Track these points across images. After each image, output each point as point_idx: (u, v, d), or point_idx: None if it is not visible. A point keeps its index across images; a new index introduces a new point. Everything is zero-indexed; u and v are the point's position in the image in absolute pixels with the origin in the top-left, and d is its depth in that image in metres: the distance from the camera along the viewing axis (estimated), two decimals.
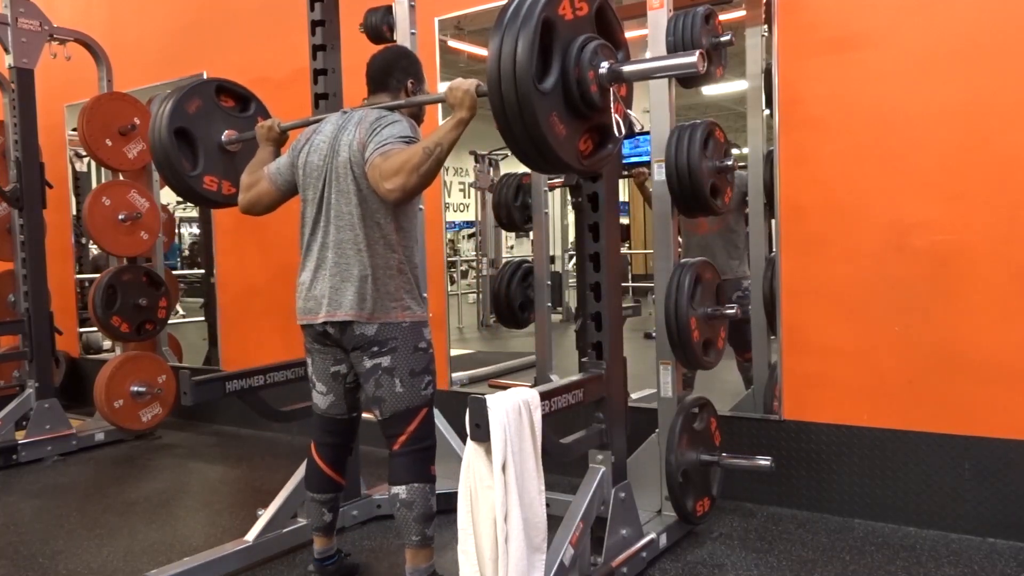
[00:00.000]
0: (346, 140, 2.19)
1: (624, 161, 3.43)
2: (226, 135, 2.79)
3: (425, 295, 2.62)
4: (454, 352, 4.15)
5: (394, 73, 2.34)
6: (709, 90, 4.68)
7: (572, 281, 5.76)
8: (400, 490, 2.20)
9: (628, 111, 1.93)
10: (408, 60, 2.40)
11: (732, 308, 2.76)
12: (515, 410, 1.93)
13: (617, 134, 1.90)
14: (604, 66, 1.81)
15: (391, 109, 2.25)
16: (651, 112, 2.79)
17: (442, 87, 3.83)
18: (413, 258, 2.28)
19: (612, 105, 1.85)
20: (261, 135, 2.53)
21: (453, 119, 2.01)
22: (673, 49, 2.68)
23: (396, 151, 2.04)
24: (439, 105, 3.77)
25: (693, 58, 1.79)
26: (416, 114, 2.37)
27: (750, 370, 3.44)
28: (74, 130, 4.59)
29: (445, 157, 2.01)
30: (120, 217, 4.37)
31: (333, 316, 2.19)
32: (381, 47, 2.48)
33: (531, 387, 2.09)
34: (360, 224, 2.17)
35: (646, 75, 1.94)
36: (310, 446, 2.46)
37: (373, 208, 2.17)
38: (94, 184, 5.36)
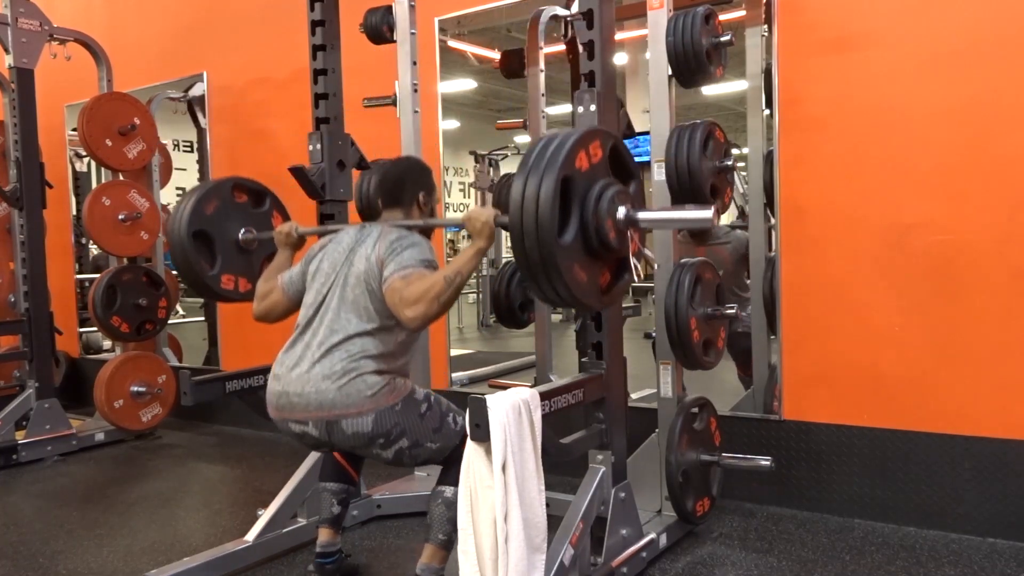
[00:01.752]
0: (363, 253, 2.22)
1: None
2: (243, 233, 2.80)
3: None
4: (454, 352, 4.14)
5: (406, 188, 2.40)
6: (709, 90, 4.66)
7: None
8: (447, 489, 2.22)
9: (643, 248, 1.99)
10: (418, 173, 2.45)
11: (732, 308, 2.76)
12: (515, 410, 1.93)
13: (633, 274, 1.98)
14: (621, 212, 1.87)
15: (408, 228, 2.29)
16: (651, 112, 2.79)
17: (442, 87, 3.87)
18: (406, 365, 2.26)
19: (629, 245, 1.92)
20: (279, 240, 2.57)
21: (472, 248, 2.08)
22: (673, 49, 2.67)
23: (416, 276, 2.08)
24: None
25: (708, 213, 1.87)
26: (426, 230, 2.43)
27: (750, 384, 3.43)
28: (74, 130, 4.59)
29: (464, 284, 2.07)
30: (120, 217, 4.37)
31: (313, 415, 2.12)
32: (392, 160, 2.54)
33: (531, 387, 2.09)
34: (358, 332, 2.15)
35: (662, 224, 2.07)
36: None
37: (380, 323, 2.16)
38: (94, 184, 5.36)
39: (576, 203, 1.82)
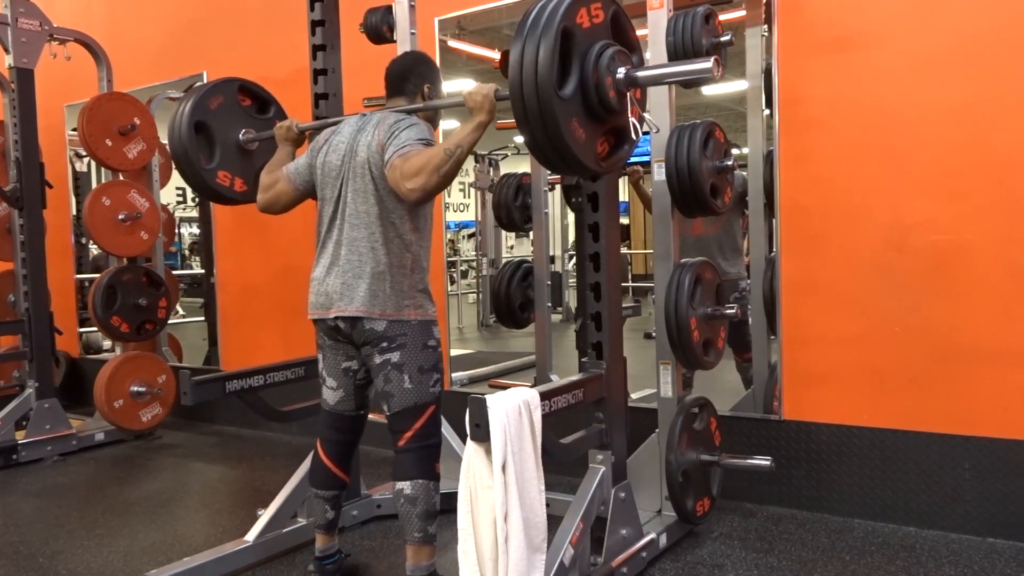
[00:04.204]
0: (364, 141, 2.24)
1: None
2: (244, 133, 2.81)
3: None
4: (454, 352, 4.16)
5: (411, 78, 2.41)
6: (709, 90, 4.67)
7: (572, 281, 5.76)
8: (404, 486, 2.21)
9: (644, 113, 1.97)
10: (425, 65, 2.45)
11: (732, 308, 2.76)
12: (515, 410, 1.93)
13: (633, 136, 1.95)
14: (621, 71, 1.86)
15: (409, 112, 2.30)
16: (651, 112, 2.79)
17: (446, 87, 3.86)
18: (427, 257, 2.34)
19: (628, 108, 1.89)
20: (280, 135, 2.57)
21: (472, 122, 2.06)
22: (673, 50, 2.67)
23: (415, 152, 2.09)
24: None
25: (708, 64, 1.83)
26: (431, 117, 2.43)
27: (749, 370, 3.44)
28: (74, 130, 4.58)
29: (464, 158, 2.06)
30: (120, 217, 4.37)
31: (344, 311, 2.23)
32: (400, 53, 2.53)
33: (531, 387, 2.09)
34: (375, 223, 2.22)
35: (661, 80, 2.01)
36: (316, 443, 2.47)
37: (389, 208, 2.22)
38: (94, 184, 5.36)
39: (576, 59, 1.81)
